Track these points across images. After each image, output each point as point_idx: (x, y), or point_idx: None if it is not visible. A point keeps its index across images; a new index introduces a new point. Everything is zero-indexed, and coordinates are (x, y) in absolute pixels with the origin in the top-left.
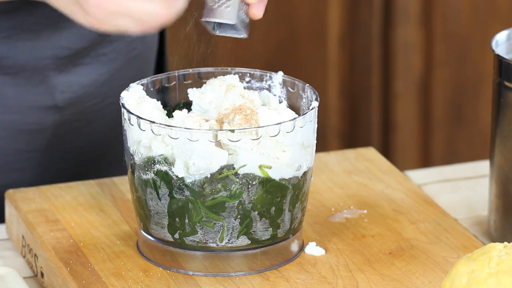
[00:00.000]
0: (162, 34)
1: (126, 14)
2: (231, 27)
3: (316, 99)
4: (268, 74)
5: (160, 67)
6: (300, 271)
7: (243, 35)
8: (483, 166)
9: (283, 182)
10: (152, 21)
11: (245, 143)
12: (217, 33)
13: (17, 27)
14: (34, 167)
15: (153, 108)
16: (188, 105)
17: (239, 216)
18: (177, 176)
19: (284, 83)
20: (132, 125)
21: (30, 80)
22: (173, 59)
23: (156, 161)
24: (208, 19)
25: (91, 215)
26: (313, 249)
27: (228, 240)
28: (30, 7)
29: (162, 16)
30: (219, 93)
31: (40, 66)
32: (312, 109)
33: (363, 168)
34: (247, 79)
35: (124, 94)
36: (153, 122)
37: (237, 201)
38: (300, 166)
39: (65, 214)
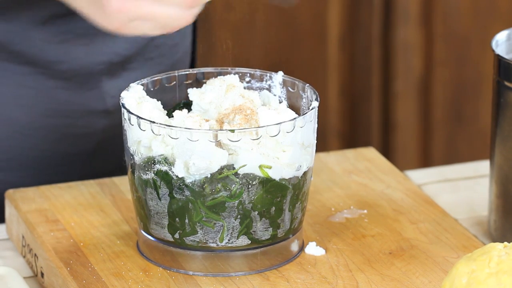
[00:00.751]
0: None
1: (148, 18)
2: None
3: (316, 99)
4: (268, 74)
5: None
6: (300, 271)
7: (291, 2)
8: (483, 166)
9: (283, 182)
10: (173, 24)
11: (245, 143)
12: None
13: (72, 32)
14: (79, 170)
15: (153, 108)
16: (188, 105)
17: (239, 216)
18: (177, 176)
19: (284, 83)
20: (132, 125)
21: (83, 85)
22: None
23: (156, 161)
24: None
25: (91, 215)
26: (313, 249)
27: (228, 240)
28: None
29: (183, 18)
30: (219, 93)
31: (93, 71)
32: (312, 109)
33: (363, 168)
34: (247, 79)
35: (124, 94)
36: (153, 122)
37: (237, 201)
38: (300, 166)
39: (65, 214)
